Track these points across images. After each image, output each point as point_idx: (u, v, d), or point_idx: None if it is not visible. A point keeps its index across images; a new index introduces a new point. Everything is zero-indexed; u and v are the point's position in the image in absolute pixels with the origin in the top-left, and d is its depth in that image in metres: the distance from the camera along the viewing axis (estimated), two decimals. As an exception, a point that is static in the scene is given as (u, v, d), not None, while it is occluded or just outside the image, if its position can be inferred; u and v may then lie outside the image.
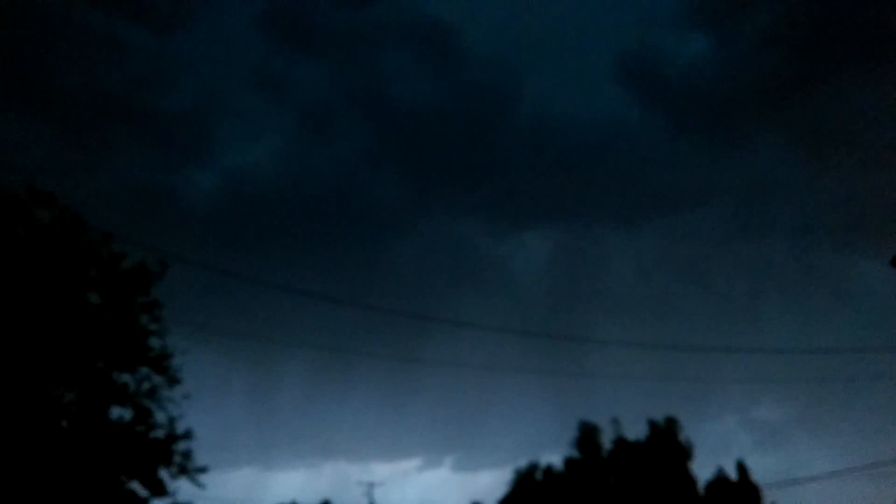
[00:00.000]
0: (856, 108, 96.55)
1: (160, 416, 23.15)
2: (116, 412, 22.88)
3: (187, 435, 23.22)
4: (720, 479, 49.97)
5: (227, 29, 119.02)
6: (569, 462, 49.94)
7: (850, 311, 79.18)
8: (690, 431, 52.38)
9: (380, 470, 75.59)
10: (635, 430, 50.91)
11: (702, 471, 50.70)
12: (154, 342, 23.64)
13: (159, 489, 22.73)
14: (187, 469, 22.87)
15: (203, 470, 23.15)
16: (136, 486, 22.57)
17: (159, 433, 22.96)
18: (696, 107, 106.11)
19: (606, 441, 50.78)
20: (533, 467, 50.69)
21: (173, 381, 23.49)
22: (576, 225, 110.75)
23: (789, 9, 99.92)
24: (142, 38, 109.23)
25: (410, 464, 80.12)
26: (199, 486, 23.27)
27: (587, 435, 50.26)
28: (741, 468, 49.73)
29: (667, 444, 50.62)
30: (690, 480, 50.04)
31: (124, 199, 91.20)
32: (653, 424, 50.46)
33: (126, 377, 23.09)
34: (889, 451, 35.35)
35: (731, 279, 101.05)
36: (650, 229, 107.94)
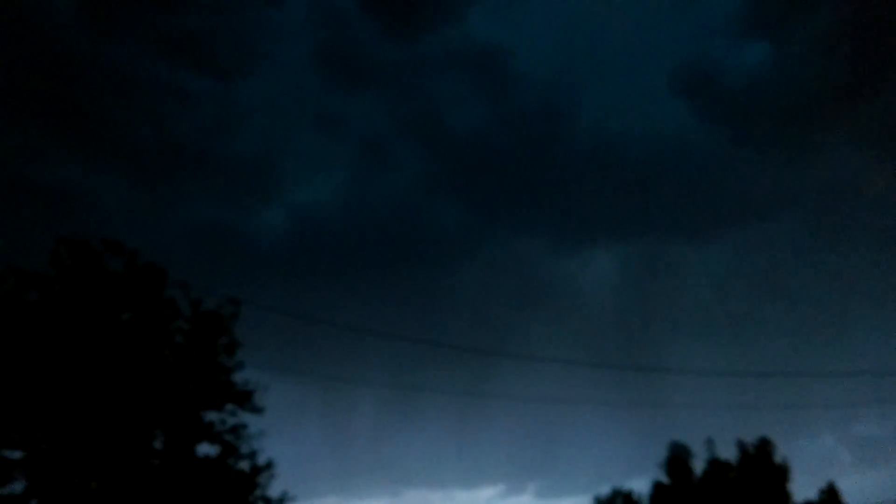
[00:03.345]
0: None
1: (244, 450, 24.30)
2: (203, 449, 24.12)
3: (269, 466, 24.32)
4: (822, 502, 48.23)
5: (286, 72, 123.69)
6: (657, 486, 48.98)
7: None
8: (787, 450, 50.79)
9: (462, 497, 75.68)
10: (727, 454, 49.72)
11: (802, 490, 49.01)
12: (236, 379, 24.87)
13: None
14: (278, 500, 23.96)
15: (292, 499, 24.26)
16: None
17: (244, 465, 24.11)
18: (759, 116, 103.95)
19: (698, 464, 49.70)
20: (615, 494, 50.01)
21: (256, 411, 24.68)
22: (644, 241, 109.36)
23: (847, 11, 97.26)
24: (206, 86, 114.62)
25: (493, 490, 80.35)
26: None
27: (677, 457, 49.25)
28: (831, 491, 47.94)
29: (761, 465, 49.15)
30: (787, 502, 48.37)
31: (198, 243, 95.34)
32: (742, 446, 49.09)
33: (212, 415, 24.34)
34: None
35: (813, 290, 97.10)
36: (722, 242, 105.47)
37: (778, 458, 49.13)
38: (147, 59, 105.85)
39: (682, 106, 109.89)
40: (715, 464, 49.00)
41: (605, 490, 50.66)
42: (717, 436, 50.18)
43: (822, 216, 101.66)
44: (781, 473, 49.02)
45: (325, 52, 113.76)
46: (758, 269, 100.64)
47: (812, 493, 48.83)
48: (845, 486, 49.34)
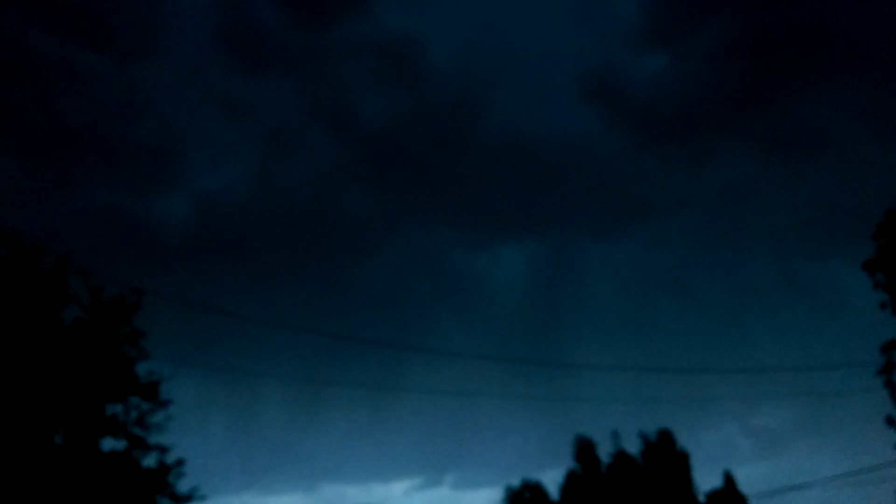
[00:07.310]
0: (819, 114, 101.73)
1: (152, 443, 23.72)
2: (108, 443, 23.38)
3: (180, 463, 23.81)
4: (720, 490, 51.17)
5: (188, 54, 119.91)
6: (570, 475, 50.91)
7: (830, 319, 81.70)
8: (690, 441, 53.54)
9: (380, 490, 76.17)
10: (632, 446, 52.07)
11: (705, 479, 51.80)
12: (140, 370, 24.24)
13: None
14: (187, 497, 23.45)
15: (203, 498, 23.79)
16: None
17: (151, 461, 23.53)
18: (659, 122, 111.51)
19: (603, 455, 51.89)
20: (524, 486, 51.76)
21: (161, 403, 24.12)
22: (551, 236, 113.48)
23: (736, 30, 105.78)
24: (103, 67, 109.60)
25: (411, 483, 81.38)
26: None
27: (585, 448, 51.33)
28: (728, 478, 51.05)
29: (664, 456, 51.68)
30: (689, 491, 51.05)
31: (96, 230, 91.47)
32: (645, 438, 51.68)
33: (117, 407, 23.63)
34: (881, 456, 36.48)
35: (712, 288, 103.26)
36: (626, 239, 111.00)
37: (678, 448, 51.84)
38: (36, 34, 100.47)
39: (589, 110, 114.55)
40: (620, 455, 51.32)
41: (516, 481, 52.34)
42: (622, 428, 52.57)
43: (717, 217, 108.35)
44: (683, 462, 51.76)
45: (228, 35, 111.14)
46: (659, 266, 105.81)
47: (717, 481, 51.71)
48: (744, 474, 52.51)
